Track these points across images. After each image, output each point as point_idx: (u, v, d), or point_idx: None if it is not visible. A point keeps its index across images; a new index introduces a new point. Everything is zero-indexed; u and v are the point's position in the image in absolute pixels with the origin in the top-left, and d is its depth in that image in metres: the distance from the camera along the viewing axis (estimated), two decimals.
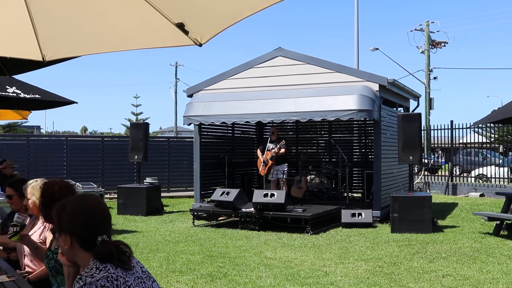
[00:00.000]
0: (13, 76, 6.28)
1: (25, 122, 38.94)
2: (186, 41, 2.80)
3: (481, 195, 17.08)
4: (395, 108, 13.12)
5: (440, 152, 25.99)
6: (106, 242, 2.19)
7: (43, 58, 3.24)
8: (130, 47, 3.30)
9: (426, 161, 21.42)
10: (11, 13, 3.05)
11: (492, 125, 22.03)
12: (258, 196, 10.35)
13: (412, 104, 14.61)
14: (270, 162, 11.77)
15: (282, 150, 11.77)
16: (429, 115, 34.33)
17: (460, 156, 20.86)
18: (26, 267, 4.00)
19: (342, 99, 10.95)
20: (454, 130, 18.61)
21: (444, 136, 19.14)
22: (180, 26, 2.69)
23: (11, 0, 2.92)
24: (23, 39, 3.20)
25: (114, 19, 2.98)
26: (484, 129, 26.50)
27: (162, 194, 14.44)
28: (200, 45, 2.80)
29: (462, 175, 20.12)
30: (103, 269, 2.12)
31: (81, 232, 2.23)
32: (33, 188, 4.00)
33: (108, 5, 2.85)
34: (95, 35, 3.15)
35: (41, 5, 2.93)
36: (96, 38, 3.18)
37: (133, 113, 54.71)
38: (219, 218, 11.71)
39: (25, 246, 3.92)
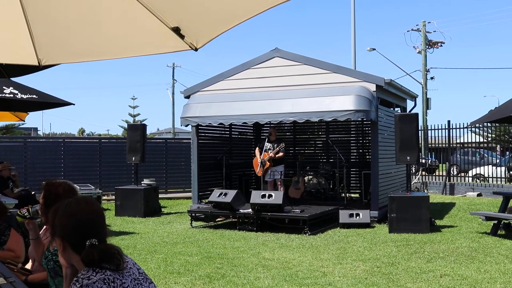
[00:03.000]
0: (11, 78, 6.28)
1: (22, 124, 38.74)
2: (182, 46, 2.80)
3: (479, 195, 17.11)
4: (392, 108, 13.14)
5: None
6: (93, 246, 2.17)
7: (39, 63, 3.24)
8: (126, 54, 3.29)
9: (423, 161, 21.44)
10: (8, 19, 3.05)
11: (489, 124, 22.07)
12: (256, 197, 10.36)
13: (409, 104, 14.64)
14: (268, 163, 11.77)
15: (280, 154, 11.76)
16: (426, 115, 34.45)
17: (458, 156, 20.89)
18: (34, 272, 3.96)
19: (339, 100, 10.95)
20: (451, 130, 18.65)
21: (442, 136, 19.18)
22: (176, 30, 2.69)
23: (8, 6, 2.92)
24: (19, 45, 3.20)
25: (110, 25, 2.98)
26: (481, 128, 26.55)
27: (160, 196, 14.43)
28: (196, 49, 2.80)
29: (459, 175, 20.14)
30: (100, 271, 2.11)
31: (70, 236, 2.22)
32: None
33: (104, 11, 2.85)
34: (91, 42, 3.15)
35: (38, 11, 2.94)
36: (93, 45, 3.18)
37: (130, 114, 54.68)
38: (217, 219, 11.70)
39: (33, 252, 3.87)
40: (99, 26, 2.98)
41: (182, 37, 2.72)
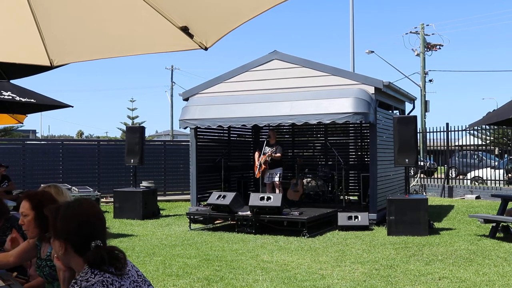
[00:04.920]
0: (11, 80, 6.27)
1: (21, 126, 38.76)
2: (191, 45, 2.77)
3: (477, 197, 17.12)
4: (390, 111, 13.14)
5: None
6: (99, 247, 2.17)
7: (51, 63, 3.25)
8: (136, 51, 3.29)
9: (422, 163, 21.45)
10: (18, 20, 3.06)
11: (487, 127, 22.10)
12: (255, 199, 10.35)
13: (408, 106, 14.65)
14: (263, 166, 11.77)
15: (278, 155, 11.78)
16: (425, 118, 34.43)
17: (456, 158, 20.91)
18: (30, 277, 3.94)
19: (338, 102, 10.96)
20: (449, 132, 18.67)
21: (440, 139, 19.19)
22: (185, 29, 2.68)
23: (17, 7, 2.93)
24: (30, 45, 3.21)
25: (119, 24, 2.98)
26: (480, 131, 26.62)
27: (158, 198, 14.42)
28: (206, 48, 2.77)
29: (458, 177, 20.15)
30: (98, 273, 2.10)
31: (74, 237, 2.20)
32: (58, 195, 3.63)
33: (113, 10, 2.85)
34: (101, 40, 3.16)
35: (47, 11, 2.95)
36: (102, 43, 3.19)
37: (129, 116, 54.73)
38: (215, 222, 11.70)
39: None
40: (108, 26, 2.99)
41: (191, 36, 2.71)
